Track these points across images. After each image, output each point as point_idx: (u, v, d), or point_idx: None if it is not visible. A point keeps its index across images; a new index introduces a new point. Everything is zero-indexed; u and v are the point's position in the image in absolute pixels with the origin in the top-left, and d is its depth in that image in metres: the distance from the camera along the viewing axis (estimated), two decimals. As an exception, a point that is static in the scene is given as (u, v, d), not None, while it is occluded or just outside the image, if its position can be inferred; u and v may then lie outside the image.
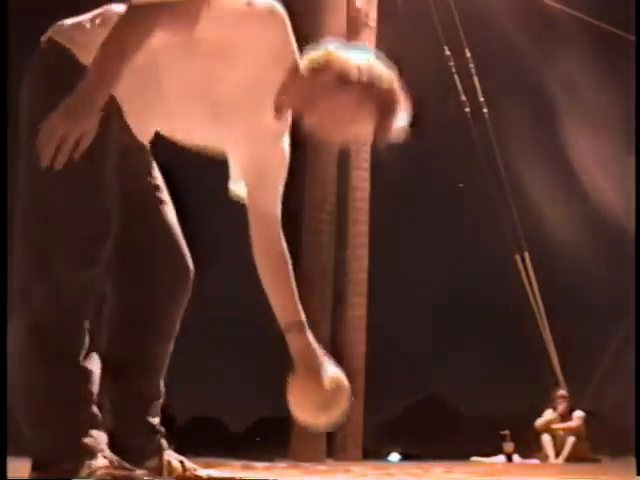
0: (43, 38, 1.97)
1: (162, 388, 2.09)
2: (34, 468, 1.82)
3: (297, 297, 2.11)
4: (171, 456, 2.04)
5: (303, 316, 2.09)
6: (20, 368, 1.85)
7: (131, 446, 1.97)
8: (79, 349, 1.86)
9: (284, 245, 2.12)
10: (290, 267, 2.12)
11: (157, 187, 2.11)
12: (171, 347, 2.11)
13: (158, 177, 2.12)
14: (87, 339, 1.88)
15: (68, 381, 1.83)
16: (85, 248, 1.86)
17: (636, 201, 4.56)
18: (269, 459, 6.08)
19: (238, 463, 4.76)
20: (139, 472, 1.85)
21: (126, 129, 1.99)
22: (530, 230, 11.23)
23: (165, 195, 2.12)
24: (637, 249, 3.83)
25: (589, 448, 8.87)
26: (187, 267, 2.10)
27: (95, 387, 1.89)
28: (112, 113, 1.89)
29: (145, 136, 2.08)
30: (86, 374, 1.86)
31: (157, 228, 2.08)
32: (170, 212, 2.11)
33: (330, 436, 7.33)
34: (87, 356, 1.88)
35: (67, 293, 1.84)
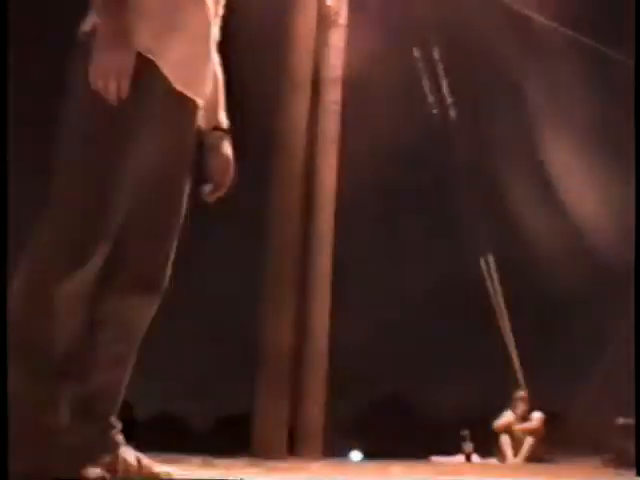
0: (81, 31, 1.99)
1: (122, 385, 2.07)
2: None
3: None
4: (127, 453, 2.02)
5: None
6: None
7: (86, 442, 1.95)
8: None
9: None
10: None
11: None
12: (135, 345, 2.09)
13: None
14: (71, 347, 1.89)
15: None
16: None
17: (636, 202, 4.63)
18: (230, 456, 6.06)
19: (198, 459, 4.74)
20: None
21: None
22: (498, 233, 11.35)
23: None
24: (637, 250, 3.89)
25: (545, 448, 9.00)
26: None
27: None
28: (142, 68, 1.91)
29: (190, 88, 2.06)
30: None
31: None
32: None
33: (291, 433, 7.33)
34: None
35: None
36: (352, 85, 8.47)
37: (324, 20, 8.23)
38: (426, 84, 10.11)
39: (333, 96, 8.23)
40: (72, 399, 1.98)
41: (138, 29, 1.91)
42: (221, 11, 2.21)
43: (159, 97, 1.95)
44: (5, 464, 1.83)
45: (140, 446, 2.12)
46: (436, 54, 10.07)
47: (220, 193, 2.23)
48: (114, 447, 2.01)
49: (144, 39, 1.92)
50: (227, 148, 2.24)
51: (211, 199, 2.22)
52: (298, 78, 7.84)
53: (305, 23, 7.94)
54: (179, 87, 2.00)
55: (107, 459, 1.97)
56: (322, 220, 8.05)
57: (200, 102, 2.09)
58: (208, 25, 2.08)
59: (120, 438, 2.04)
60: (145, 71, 1.91)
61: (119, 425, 2.05)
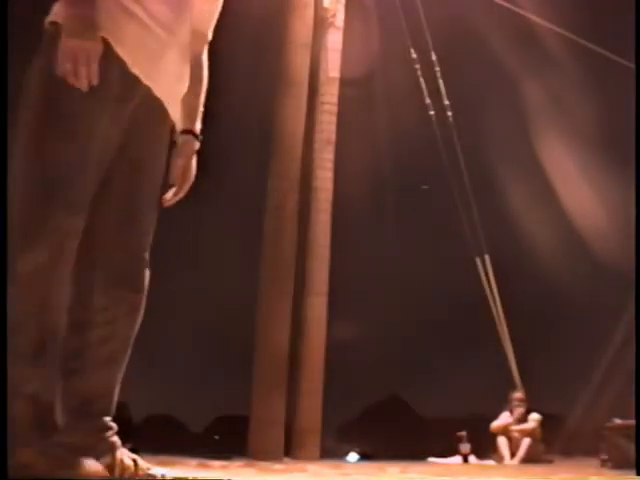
0: (47, 21, 1.99)
1: (115, 385, 2.07)
2: None
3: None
4: (124, 454, 2.02)
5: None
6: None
7: (83, 443, 1.95)
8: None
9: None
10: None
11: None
12: (126, 345, 2.09)
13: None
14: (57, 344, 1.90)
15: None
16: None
17: (636, 203, 4.63)
18: (227, 457, 6.06)
19: (194, 461, 4.75)
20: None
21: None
22: (494, 233, 11.35)
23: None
24: (637, 252, 3.89)
25: (543, 449, 9.01)
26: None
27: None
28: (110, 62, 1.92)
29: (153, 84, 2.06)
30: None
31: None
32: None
33: (288, 434, 7.32)
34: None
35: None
36: (349, 87, 8.47)
37: (321, 22, 8.23)
38: (423, 86, 10.11)
39: (330, 97, 8.23)
40: (66, 399, 1.98)
41: (97, 12, 1.93)
42: (216, 15, 2.21)
43: (116, 78, 1.96)
44: (5, 464, 1.83)
45: (136, 447, 2.12)
46: (434, 56, 10.08)
47: (178, 198, 2.21)
48: (110, 449, 2.01)
49: (101, 20, 1.93)
50: (192, 153, 2.23)
51: (169, 203, 2.20)
52: (295, 79, 7.84)
53: (302, 25, 7.94)
54: (135, 70, 2.00)
55: (104, 461, 1.97)
56: (319, 220, 8.06)
57: (158, 93, 2.07)
58: (171, 17, 2.06)
59: (116, 439, 2.04)
60: (102, 52, 1.91)
61: (115, 426, 2.05)
